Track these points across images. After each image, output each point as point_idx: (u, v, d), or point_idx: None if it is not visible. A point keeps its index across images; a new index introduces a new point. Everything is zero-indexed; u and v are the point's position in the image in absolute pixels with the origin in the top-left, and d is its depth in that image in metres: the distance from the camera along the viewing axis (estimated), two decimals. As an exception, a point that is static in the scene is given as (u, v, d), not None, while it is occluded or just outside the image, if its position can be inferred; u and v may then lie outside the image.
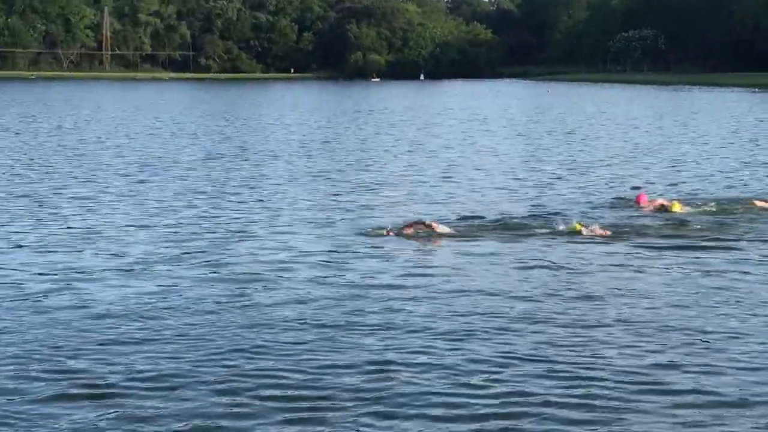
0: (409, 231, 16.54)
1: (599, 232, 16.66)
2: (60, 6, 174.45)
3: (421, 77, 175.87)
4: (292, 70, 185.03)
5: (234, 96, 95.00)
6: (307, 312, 11.24)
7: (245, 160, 30.94)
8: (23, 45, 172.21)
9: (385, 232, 16.58)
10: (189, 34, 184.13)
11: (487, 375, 9.01)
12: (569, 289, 12.62)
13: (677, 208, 19.05)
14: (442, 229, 16.71)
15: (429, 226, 16.65)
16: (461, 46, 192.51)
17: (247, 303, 11.69)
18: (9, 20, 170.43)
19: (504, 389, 8.64)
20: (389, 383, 8.73)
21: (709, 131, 43.98)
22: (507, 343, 10.00)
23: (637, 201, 20.00)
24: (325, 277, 13.26)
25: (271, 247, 15.49)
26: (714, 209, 19.32)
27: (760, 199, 20.19)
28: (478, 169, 28.28)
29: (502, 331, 10.49)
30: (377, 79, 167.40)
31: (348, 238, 16.38)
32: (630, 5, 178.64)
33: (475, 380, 8.84)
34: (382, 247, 15.48)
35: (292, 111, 64.96)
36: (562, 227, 17.13)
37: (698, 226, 17.34)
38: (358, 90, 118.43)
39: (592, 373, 9.06)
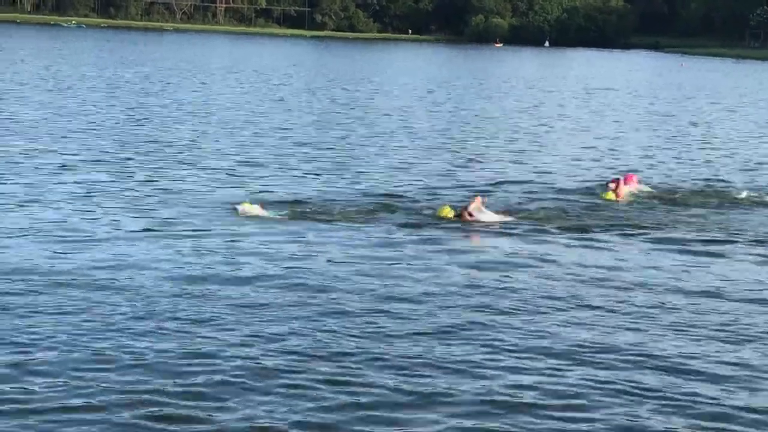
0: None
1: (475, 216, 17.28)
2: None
3: (546, 44, 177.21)
4: (410, 31, 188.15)
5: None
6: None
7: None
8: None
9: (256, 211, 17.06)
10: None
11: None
12: (380, 275, 13.63)
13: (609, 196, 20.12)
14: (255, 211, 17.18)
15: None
16: (589, 12, 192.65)
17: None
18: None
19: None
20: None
21: None
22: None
23: (626, 181, 20.89)
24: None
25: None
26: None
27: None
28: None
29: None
30: (500, 45, 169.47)
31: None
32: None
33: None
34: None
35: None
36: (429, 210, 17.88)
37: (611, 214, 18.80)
38: (485, 56, 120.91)
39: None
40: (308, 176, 22.35)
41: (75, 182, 19.77)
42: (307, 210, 17.93)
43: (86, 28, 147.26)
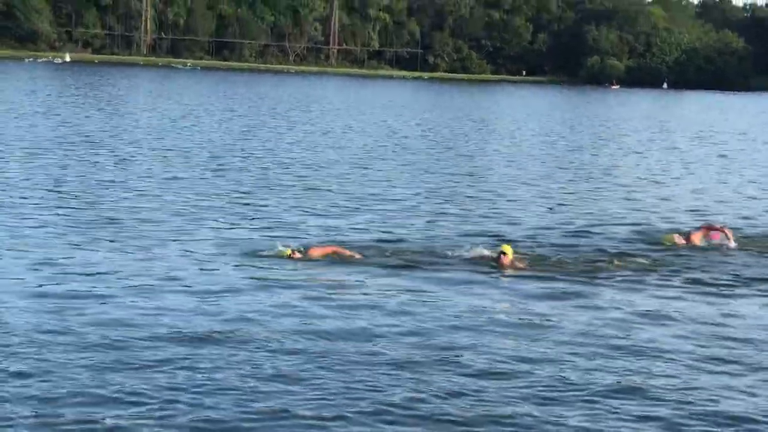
0: (317, 253, 16.50)
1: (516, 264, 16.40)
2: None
3: (664, 86, 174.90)
4: (524, 73, 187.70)
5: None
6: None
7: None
8: (251, 36, 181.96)
9: (289, 252, 16.44)
10: (419, 31, 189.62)
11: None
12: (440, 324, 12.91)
13: (672, 240, 19.00)
14: (350, 253, 16.67)
15: (335, 253, 16.58)
16: (709, 54, 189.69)
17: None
18: (239, 11, 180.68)
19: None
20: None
21: None
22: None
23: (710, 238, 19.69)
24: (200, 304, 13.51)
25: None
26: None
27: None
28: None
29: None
30: (616, 86, 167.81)
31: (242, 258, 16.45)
32: None
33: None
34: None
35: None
36: (486, 253, 16.93)
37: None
38: (602, 98, 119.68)
39: None
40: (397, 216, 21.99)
41: (190, 228, 19.27)
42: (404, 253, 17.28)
43: (200, 70, 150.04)
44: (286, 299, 13.78)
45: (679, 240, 19.12)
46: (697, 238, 19.19)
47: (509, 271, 16.14)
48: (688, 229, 20.55)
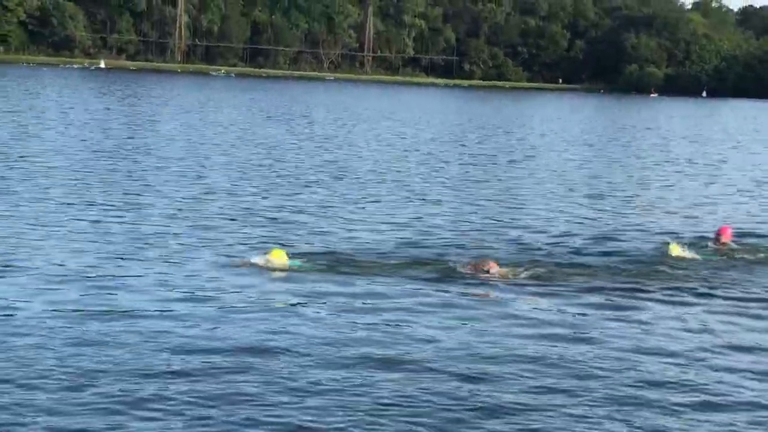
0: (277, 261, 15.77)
1: (503, 273, 15.74)
2: (324, 5, 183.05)
3: (704, 94, 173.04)
4: (560, 80, 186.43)
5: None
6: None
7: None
8: (285, 43, 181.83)
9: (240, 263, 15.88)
10: (454, 37, 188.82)
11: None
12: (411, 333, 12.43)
13: (676, 251, 17.95)
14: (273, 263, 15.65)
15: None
16: (749, 61, 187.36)
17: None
18: (273, 17, 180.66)
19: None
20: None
21: None
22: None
23: (720, 233, 19.18)
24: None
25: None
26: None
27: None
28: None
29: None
30: (655, 95, 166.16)
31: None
32: None
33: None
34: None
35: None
36: (452, 263, 16.40)
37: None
38: (646, 107, 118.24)
39: None
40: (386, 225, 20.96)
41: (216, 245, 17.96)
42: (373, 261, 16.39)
43: (235, 77, 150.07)
44: (317, 315, 13.01)
45: (679, 251, 17.98)
46: (696, 252, 18.07)
47: (524, 291, 14.98)
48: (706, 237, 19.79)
